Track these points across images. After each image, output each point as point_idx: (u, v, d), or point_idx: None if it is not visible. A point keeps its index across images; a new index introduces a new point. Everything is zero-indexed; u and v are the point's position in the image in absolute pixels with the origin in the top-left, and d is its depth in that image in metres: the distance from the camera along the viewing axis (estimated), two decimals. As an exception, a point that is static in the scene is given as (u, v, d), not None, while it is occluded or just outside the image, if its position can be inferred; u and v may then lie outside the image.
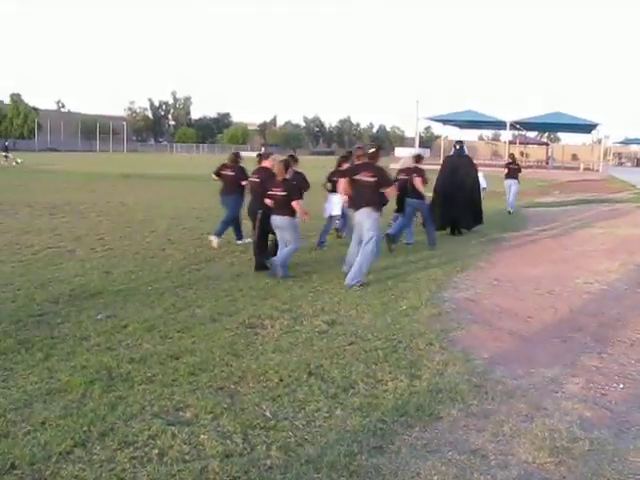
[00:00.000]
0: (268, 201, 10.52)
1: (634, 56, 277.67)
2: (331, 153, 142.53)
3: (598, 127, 68.73)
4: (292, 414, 5.01)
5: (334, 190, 12.92)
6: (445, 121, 75.98)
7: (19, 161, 51.68)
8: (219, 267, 11.05)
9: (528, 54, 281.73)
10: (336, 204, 13.18)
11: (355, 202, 10.25)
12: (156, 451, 4.37)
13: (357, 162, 10.76)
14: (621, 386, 5.87)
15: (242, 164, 13.54)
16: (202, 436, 4.57)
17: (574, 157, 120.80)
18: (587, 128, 73.22)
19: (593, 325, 7.85)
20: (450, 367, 6.15)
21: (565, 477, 4.16)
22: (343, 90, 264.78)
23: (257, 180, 11.31)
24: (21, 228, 15.05)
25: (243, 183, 12.95)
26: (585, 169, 68.73)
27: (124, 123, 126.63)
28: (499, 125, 76.66)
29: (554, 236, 15.97)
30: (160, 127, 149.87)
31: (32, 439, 4.53)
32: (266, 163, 11.62)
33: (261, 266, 10.80)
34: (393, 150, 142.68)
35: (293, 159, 11.56)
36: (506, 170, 22.32)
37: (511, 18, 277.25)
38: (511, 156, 23.51)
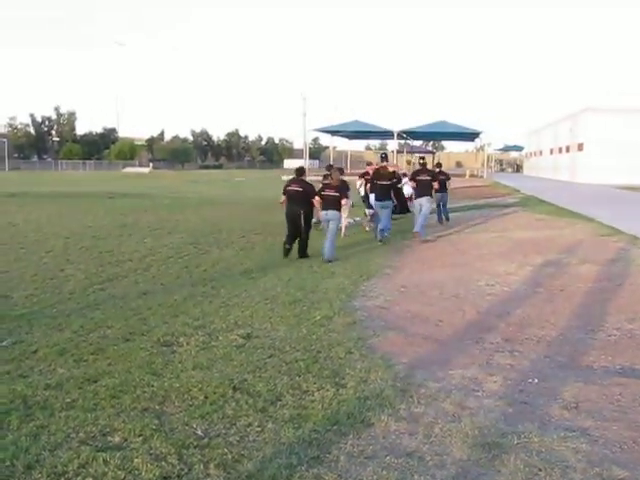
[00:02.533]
0: (318, 199, 14.12)
1: (511, 69, 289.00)
2: (219, 166, 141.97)
3: (481, 135, 71.13)
4: (224, 431, 4.95)
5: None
6: (333, 132, 76.81)
7: None
8: (124, 286, 10.80)
9: (413, 64, 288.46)
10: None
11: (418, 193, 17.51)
12: (90, 480, 4.22)
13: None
14: (536, 381, 6.11)
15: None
16: (136, 460, 4.44)
17: (458, 164, 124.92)
18: (470, 136, 75.61)
19: (501, 325, 8.14)
20: (373, 374, 6.23)
21: (500, 471, 4.31)
22: (230, 103, 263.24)
23: (300, 189, 14.28)
24: None
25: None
26: (470, 176, 70.93)
27: (5, 140, 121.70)
28: (386, 135, 78.03)
29: (451, 241, 16.45)
30: (44, 143, 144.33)
31: (-50, 480, 4.26)
32: (303, 177, 14.97)
33: (287, 254, 14.05)
34: (282, 162, 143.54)
35: (340, 170, 16.06)
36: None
37: (396, 32, 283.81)
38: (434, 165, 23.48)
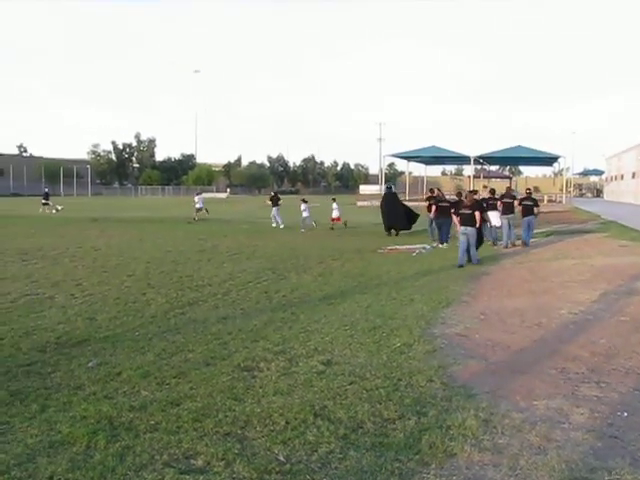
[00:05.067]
0: (457, 219, 17.87)
1: (590, 92, 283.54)
2: (296, 192, 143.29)
3: (559, 159, 69.94)
4: (305, 457, 4.95)
5: (493, 209, 22.06)
6: (409, 157, 76.82)
7: (59, 208, 47.45)
8: (204, 310, 10.94)
9: (490, 88, 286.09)
10: (495, 218, 21.75)
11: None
12: (174, 502, 4.26)
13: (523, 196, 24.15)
14: (625, 414, 5.91)
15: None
16: (219, 484, 4.49)
17: (536, 189, 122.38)
18: (549, 161, 74.60)
19: (585, 355, 7.91)
20: (454, 403, 6.15)
21: (590, 509, 4.17)
22: (306, 129, 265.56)
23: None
24: (-5, 276, 14.75)
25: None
26: (549, 201, 69.64)
27: (88, 166, 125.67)
28: (463, 160, 77.58)
29: (530, 268, 16.14)
30: (125, 170, 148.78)
31: (41, 496, 4.38)
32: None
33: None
34: (358, 187, 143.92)
35: (473, 192, 20.40)
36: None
37: (472, 58, 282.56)
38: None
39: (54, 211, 46.21)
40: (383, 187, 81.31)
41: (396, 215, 27.44)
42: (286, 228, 30.41)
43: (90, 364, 7.60)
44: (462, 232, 17.30)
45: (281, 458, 4.92)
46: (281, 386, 6.71)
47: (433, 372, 7.14)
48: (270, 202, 32.28)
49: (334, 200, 32.51)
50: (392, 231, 27.15)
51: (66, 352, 8.17)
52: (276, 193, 34.17)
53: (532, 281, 14.06)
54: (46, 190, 54.93)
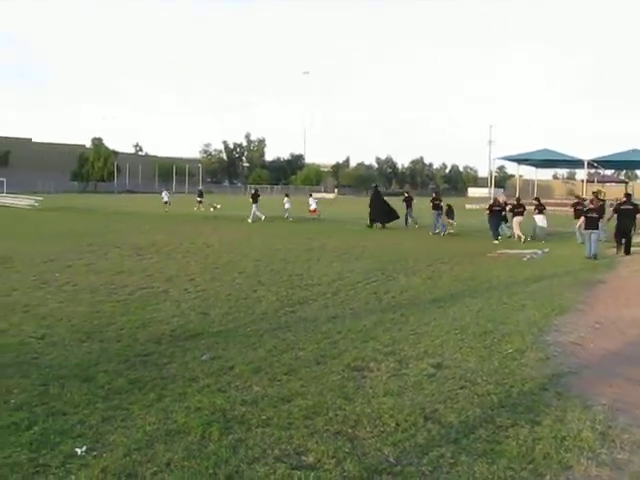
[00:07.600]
0: (582, 220, 20.42)
1: None
2: (404, 194, 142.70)
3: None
4: (416, 460, 4.92)
5: (539, 212, 26.23)
6: (520, 160, 75.22)
7: (217, 206, 47.41)
8: (313, 309, 11.02)
9: (603, 90, 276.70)
10: (540, 221, 26.04)
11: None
12: (286, 496, 4.32)
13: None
14: None
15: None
16: (330, 481, 4.52)
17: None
18: (668, 165, 71.43)
19: None
20: (569, 413, 5.97)
21: None
22: (416, 130, 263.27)
23: (631, 207, 20.82)
24: (113, 269, 15.30)
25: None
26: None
27: (199, 165, 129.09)
28: (576, 164, 75.39)
29: (649, 277, 15.51)
30: (235, 169, 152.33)
31: (161, 480, 4.53)
32: (631, 199, 21.76)
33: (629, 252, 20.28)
34: (466, 190, 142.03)
35: (596, 196, 22.39)
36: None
37: (587, 59, 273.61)
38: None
39: (212, 209, 46.26)
40: (492, 190, 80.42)
41: (380, 211, 32.20)
42: (267, 220, 34.32)
43: (204, 357, 7.79)
44: (588, 234, 19.59)
45: (391, 459, 4.92)
46: (391, 387, 6.71)
47: (547, 380, 6.98)
48: (251, 199, 36.53)
49: (311, 195, 39.70)
50: (378, 224, 31.71)
51: (180, 345, 8.40)
52: (256, 190, 39.13)
53: (651, 291, 13.51)
54: (200, 189, 55.60)
